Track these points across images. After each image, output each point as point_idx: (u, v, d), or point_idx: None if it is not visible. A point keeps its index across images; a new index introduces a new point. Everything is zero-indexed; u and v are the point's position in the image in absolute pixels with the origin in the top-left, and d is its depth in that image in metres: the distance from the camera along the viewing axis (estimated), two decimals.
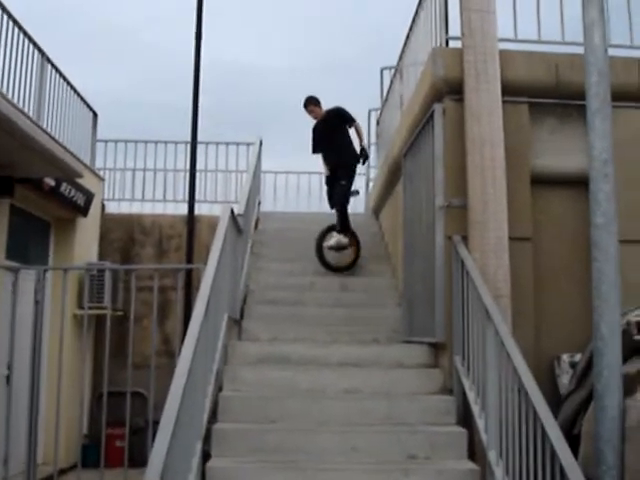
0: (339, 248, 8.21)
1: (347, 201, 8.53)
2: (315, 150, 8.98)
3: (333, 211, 8.62)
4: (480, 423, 4.75)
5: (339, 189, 8.43)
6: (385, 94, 10.45)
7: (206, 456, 4.70)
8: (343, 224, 8.31)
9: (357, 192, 8.86)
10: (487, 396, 4.61)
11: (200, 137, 11.12)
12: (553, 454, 3.54)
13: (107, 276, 10.03)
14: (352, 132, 8.79)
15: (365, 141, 8.97)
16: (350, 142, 8.75)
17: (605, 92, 4.73)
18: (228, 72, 23.59)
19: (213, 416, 5.08)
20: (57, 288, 8.47)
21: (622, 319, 4.84)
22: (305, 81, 27.92)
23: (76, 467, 7.75)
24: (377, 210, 10.19)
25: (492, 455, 4.46)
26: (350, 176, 8.58)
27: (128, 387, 5.98)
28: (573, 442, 4.85)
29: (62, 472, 7.82)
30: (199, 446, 4.37)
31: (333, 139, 8.68)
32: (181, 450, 3.69)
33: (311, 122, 8.95)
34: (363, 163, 8.85)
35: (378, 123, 11.31)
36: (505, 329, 4.46)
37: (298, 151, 9.43)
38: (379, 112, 11.21)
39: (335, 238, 8.18)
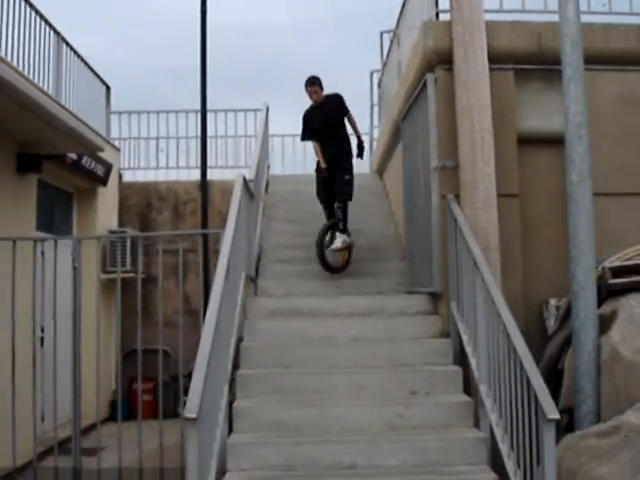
0: (343, 249, 7.59)
1: (351, 197, 7.79)
2: (307, 137, 8.11)
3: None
4: (473, 362, 5.35)
5: (343, 184, 7.68)
6: (385, 57, 10.87)
7: (230, 402, 5.32)
8: (346, 222, 7.65)
9: None
10: (478, 338, 5.21)
11: (208, 100, 11.44)
12: (529, 383, 4.12)
13: (128, 242, 10.62)
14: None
15: (361, 132, 8.25)
16: (347, 135, 8.10)
17: (578, 61, 5.25)
18: (233, 33, 23.86)
19: (235, 364, 5.69)
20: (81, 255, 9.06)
21: (599, 266, 5.40)
22: (312, 38, 28.17)
23: (106, 420, 8.35)
24: (381, 170, 10.70)
25: (483, 388, 5.07)
26: (351, 169, 7.89)
27: (160, 344, 6.53)
28: (558, 376, 5.46)
29: (94, 426, 8.43)
30: (226, 389, 4.99)
31: (334, 129, 7.91)
32: (212, 392, 4.30)
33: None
34: (361, 156, 8.16)
35: (379, 85, 11.75)
36: (491, 277, 5.03)
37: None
38: (380, 74, 11.63)
39: (341, 239, 7.49)
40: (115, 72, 17.46)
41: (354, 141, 8.13)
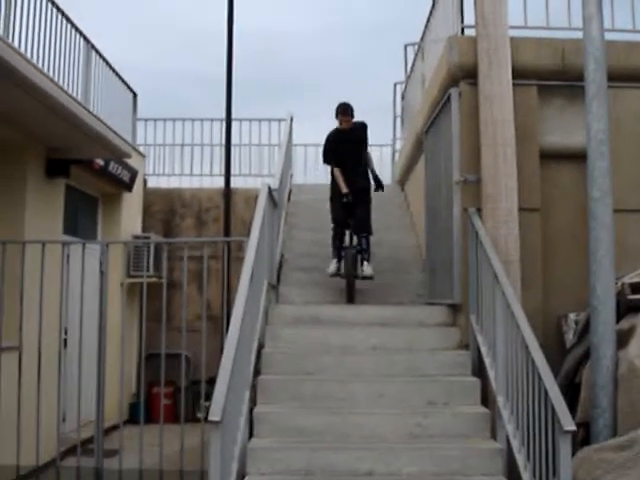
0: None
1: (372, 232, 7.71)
2: (330, 160, 7.93)
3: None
4: (491, 373, 5.42)
5: (366, 215, 7.65)
6: (409, 70, 10.97)
7: (251, 407, 5.42)
8: (369, 252, 7.61)
9: None
10: (497, 349, 5.28)
11: (233, 107, 11.54)
12: (546, 395, 4.19)
13: (152, 247, 10.74)
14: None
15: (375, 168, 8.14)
16: (365, 165, 7.96)
17: (601, 79, 5.32)
18: (257, 39, 24.09)
19: (256, 370, 5.78)
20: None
21: (618, 282, 5.45)
22: (335, 47, 28.35)
23: (126, 423, 8.44)
24: (402, 181, 10.80)
25: (500, 400, 5.14)
26: (370, 200, 7.80)
27: (183, 349, 6.65)
28: (575, 390, 5.51)
29: (114, 428, 8.54)
30: (247, 394, 5.09)
31: (358, 157, 7.80)
32: (234, 396, 4.40)
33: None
34: (382, 189, 8.07)
35: (403, 97, 11.85)
36: (511, 291, 5.10)
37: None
38: (404, 85, 11.73)
39: (370, 267, 7.46)
40: (137, 77, 17.72)
41: None
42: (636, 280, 5.46)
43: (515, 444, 4.79)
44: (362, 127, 7.78)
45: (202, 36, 22.24)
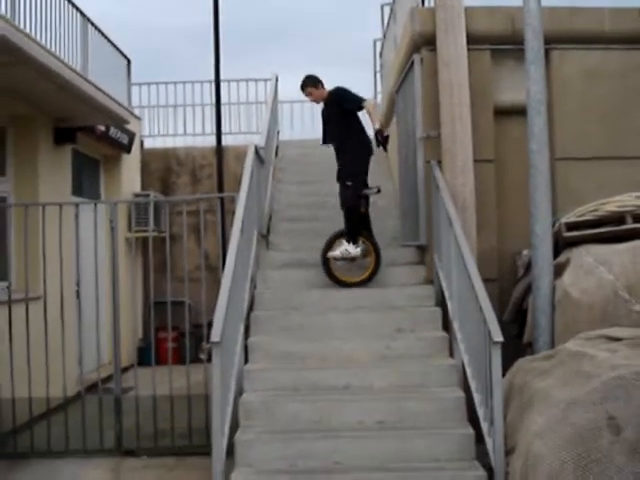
0: (345, 259, 7.17)
1: (358, 204, 7.21)
2: (324, 140, 7.59)
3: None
4: (449, 303, 6.31)
5: (343, 190, 7.22)
6: (385, 29, 11.65)
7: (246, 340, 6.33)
8: (351, 232, 7.12)
9: (378, 190, 7.39)
10: (452, 283, 6.17)
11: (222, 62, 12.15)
12: (484, 319, 5.05)
13: (151, 205, 11.53)
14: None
15: (377, 124, 7.10)
16: (356, 132, 7.28)
17: (539, 46, 6.10)
18: None
19: (250, 308, 6.68)
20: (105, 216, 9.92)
21: (557, 222, 6.32)
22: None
23: (133, 366, 9.27)
24: None
25: (456, 324, 6.04)
26: (355, 174, 7.21)
27: (186, 297, 7.49)
28: (523, 315, 6.43)
29: (124, 370, 9.38)
30: (242, 326, 6.00)
31: (335, 129, 7.35)
32: (231, 325, 5.28)
33: None
34: (385, 149, 7.31)
35: (381, 55, 12.54)
36: (461, 233, 5.92)
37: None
38: (382, 44, 12.40)
39: (342, 247, 7.11)
40: (124, 32, 18.08)
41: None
42: (572, 220, 6.28)
43: (466, 359, 5.69)
44: (334, 95, 7.33)
45: None
